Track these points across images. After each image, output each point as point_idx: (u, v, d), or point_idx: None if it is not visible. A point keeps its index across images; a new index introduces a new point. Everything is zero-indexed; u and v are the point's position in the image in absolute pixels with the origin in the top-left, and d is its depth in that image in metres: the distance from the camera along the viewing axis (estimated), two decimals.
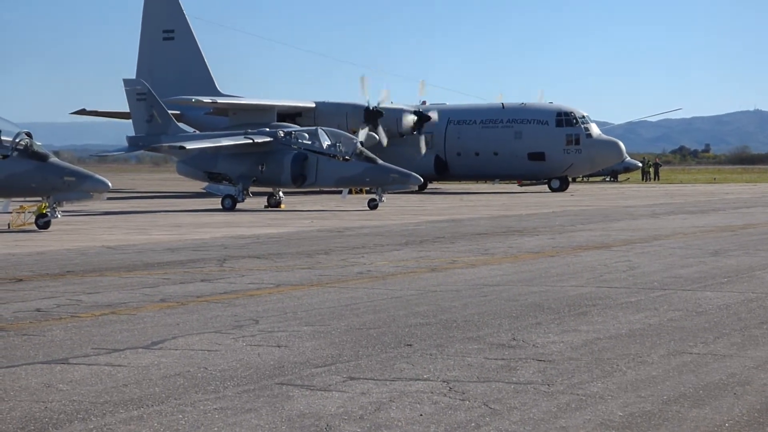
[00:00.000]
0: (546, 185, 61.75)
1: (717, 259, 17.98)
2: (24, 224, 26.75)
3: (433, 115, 60.56)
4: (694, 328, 10.73)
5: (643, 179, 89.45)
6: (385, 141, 57.11)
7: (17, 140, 26.19)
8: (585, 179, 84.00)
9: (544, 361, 8.97)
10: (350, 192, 43.08)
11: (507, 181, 67.26)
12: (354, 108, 59.17)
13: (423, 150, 59.53)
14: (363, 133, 54.15)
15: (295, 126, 48.30)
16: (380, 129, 57.92)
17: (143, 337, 10.22)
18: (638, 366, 8.76)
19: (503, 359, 9.04)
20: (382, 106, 59.11)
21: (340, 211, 36.27)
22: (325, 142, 39.02)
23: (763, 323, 11.07)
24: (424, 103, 62.32)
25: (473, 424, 6.88)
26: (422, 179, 42.06)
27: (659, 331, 10.48)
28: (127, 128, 51.28)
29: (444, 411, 7.23)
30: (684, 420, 7.00)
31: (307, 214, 34.97)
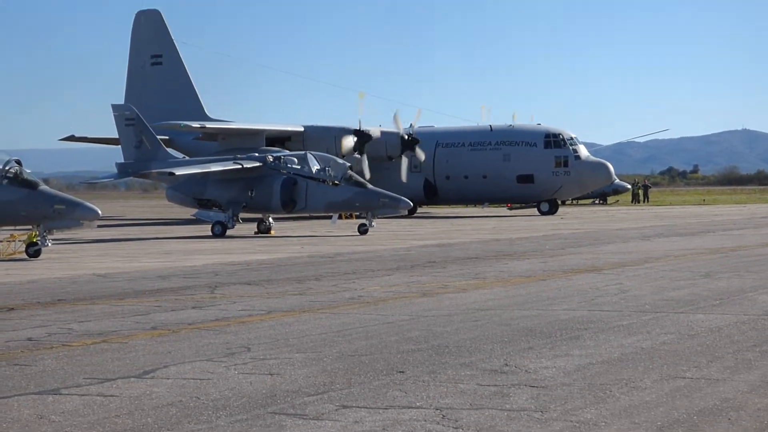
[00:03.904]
0: (535, 208, 61.74)
1: (708, 282, 18.01)
2: (14, 253, 26.68)
3: (420, 155, 60.31)
4: (687, 351, 10.73)
5: (632, 201, 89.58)
6: (368, 172, 56.42)
7: (7, 168, 26.14)
8: (574, 202, 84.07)
9: (537, 387, 8.96)
10: (340, 217, 43.05)
11: (496, 204, 67.28)
12: (343, 131, 59.18)
13: (404, 173, 59.18)
14: (349, 140, 54.01)
15: (285, 150, 48.30)
16: (364, 157, 57.64)
17: (135, 366, 10.18)
18: (631, 391, 8.75)
19: (496, 385, 9.02)
20: (370, 128, 59.15)
21: (331, 237, 36.26)
22: (315, 167, 39.01)
23: (755, 346, 11.08)
24: (411, 125, 62.39)
25: None
26: (412, 203, 42.05)
27: (652, 355, 10.48)
28: (116, 154, 51.23)
29: None
30: None
31: (298, 239, 34.96)
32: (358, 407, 8.23)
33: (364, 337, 11.91)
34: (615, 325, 12.64)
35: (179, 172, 40.14)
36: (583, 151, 61.26)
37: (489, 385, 9.03)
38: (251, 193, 39.16)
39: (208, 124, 61.78)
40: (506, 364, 10.04)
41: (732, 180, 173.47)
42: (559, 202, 64.85)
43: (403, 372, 9.71)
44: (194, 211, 41.30)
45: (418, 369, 9.85)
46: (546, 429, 7.46)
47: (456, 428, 7.50)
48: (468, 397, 8.58)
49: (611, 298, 15.67)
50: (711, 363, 10.08)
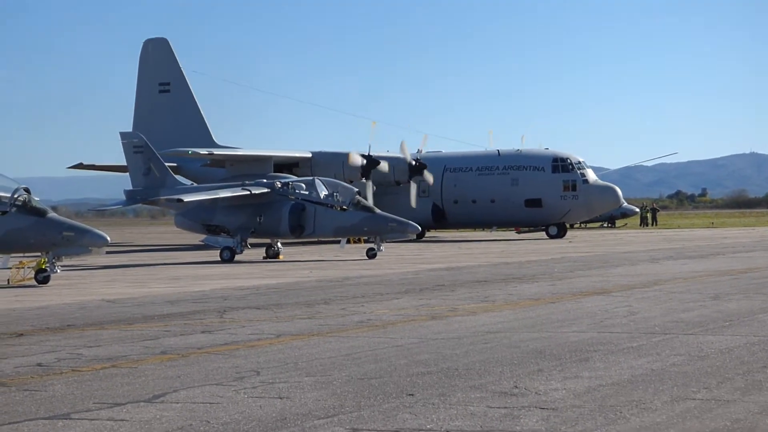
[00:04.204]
0: (544, 232, 61.76)
1: (718, 303, 17.97)
2: (23, 279, 26.72)
3: (429, 178, 60.51)
4: (697, 372, 10.71)
5: (641, 225, 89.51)
6: (371, 198, 56.69)
7: (15, 196, 26.21)
8: (582, 225, 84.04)
9: (547, 408, 8.94)
10: (348, 241, 43.07)
11: (504, 228, 67.27)
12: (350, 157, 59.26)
13: (413, 198, 59.33)
14: (356, 157, 54.02)
15: (292, 176, 48.38)
16: (369, 183, 57.83)
17: (145, 390, 10.19)
18: (642, 413, 8.73)
19: (506, 407, 9.01)
20: (378, 155, 59.28)
21: (339, 261, 36.27)
22: (323, 192, 39.08)
23: (765, 367, 11.05)
24: (419, 151, 62.47)
25: None
26: (420, 228, 42.08)
27: (662, 377, 10.46)
28: (124, 181, 51.31)
29: None
30: None
31: (306, 264, 34.96)
32: (368, 430, 8.22)
33: (374, 361, 11.90)
34: (625, 347, 12.62)
35: (188, 198, 40.22)
36: (591, 175, 61.32)
37: (499, 408, 9.02)
38: (260, 219, 39.23)
39: (216, 151, 61.93)
40: (516, 387, 10.03)
41: (740, 203, 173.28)
42: (568, 226, 64.85)
43: (412, 395, 9.70)
44: (203, 236, 41.34)
45: (427, 392, 9.84)
46: None
47: None
48: (478, 419, 8.56)
49: (620, 320, 15.64)
50: (721, 384, 10.06)
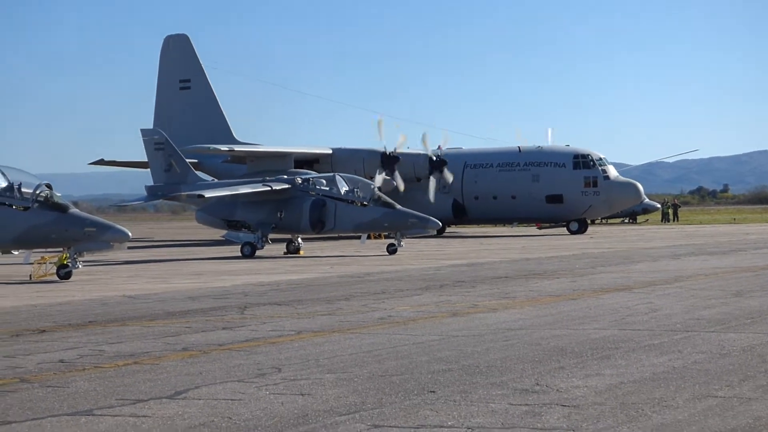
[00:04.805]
0: (565, 228, 61.69)
1: (739, 300, 17.91)
2: (45, 275, 26.85)
3: (448, 177, 60.60)
4: (719, 370, 10.68)
5: (662, 221, 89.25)
6: (402, 186, 57.42)
7: (38, 192, 26.33)
8: (604, 221, 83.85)
9: (568, 406, 8.94)
10: (369, 237, 43.10)
11: (525, 224, 67.21)
12: (371, 153, 59.37)
13: (431, 193, 59.39)
14: (379, 179, 54.35)
15: (313, 172, 48.45)
16: (397, 174, 58.22)
17: (166, 386, 10.22)
18: (663, 410, 8.72)
19: (527, 405, 9.01)
20: (398, 151, 59.33)
21: (360, 257, 36.30)
22: (343, 188, 39.14)
23: None
24: (439, 147, 62.45)
25: None
26: (440, 223, 42.08)
27: (683, 374, 10.43)
28: (145, 177, 51.54)
29: None
30: None
31: (327, 260, 35.01)
32: (390, 426, 8.23)
33: (395, 357, 11.91)
34: (646, 344, 12.60)
35: (208, 194, 40.35)
36: (612, 171, 61.25)
37: (520, 405, 9.01)
38: (280, 215, 39.32)
39: (237, 147, 62.08)
40: (537, 384, 10.02)
41: (762, 199, 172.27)
42: (589, 222, 64.75)
43: (434, 392, 9.70)
44: (224, 232, 41.45)
45: (448, 389, 9.84)
46: None
47: None
48: (499, 416, 8.57)
49: (642, 317, 15.61)
50: (743, 382, 10.02)
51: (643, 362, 11.26)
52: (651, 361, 11.35)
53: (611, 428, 8.05)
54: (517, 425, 8.21)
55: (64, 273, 26.16)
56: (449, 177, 60.36)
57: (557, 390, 9.69)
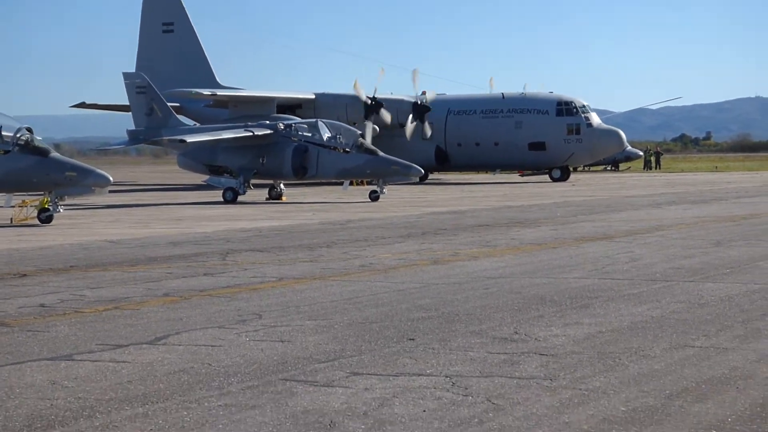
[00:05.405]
0: (547, 175, 61.78)
1: (719, 250, 18.00)
2: (26, 219, 26.79)
3: (430, 94, 60.64)
4: (697, 320, 10.75)
5: (644, 168, 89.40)
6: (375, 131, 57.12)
7: (18, 135, 26.20)
8: (586, 169, 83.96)
9: (546, 355, 9.00)
10: (351, 184, 43.11)
11: (508, 171, 67.26)
12: (353, 99, 59.15)
13: (429, 134, 59.35)
14: (369, 128, 54.24)
15: (296, 118, 48.30)
16: (381, 118, 58.06)
17: (147, 332, 10.25)
18: (641, 360, 8.79)
19: (506, 353, 9.06)
20: (381, 97, 59.14)
21: (342, 203, 36.30)
22: (326, 134, 39.05)
23: (765, 315, 11.10)
24: (423, 93, 62.28)
25: (476, 420, 6.91)
26: (423, 170, 42.07)
27: (661, 324, 10.50)
28: (127, 120, 51.23)
29: (447, 407, 7.25)
30: (687, 415, 7.03)
31: (309, 206, 35.00)
32: (369, 374, 8.28)
33: (375, 305, 11.96)
34: (625, 294, 12.67)
35: (190, 139, 40.20)
36: (595, 119, 61.27)
37: (499, 353, 9.07)
38: (262, 160, 39.24)
39: (219, 92, 61.78)
40: (516, 333, 10.08)
41: (745, 147, 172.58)
42: (571, 169, 64.85)
43: (413, 339, 9.75)
44: (206, 177, 41.38)
45: (428, 337, 9.89)
46: (555, 397, 7.50)
47: (465, 395, 7.55)
48: (478, 364, 8.62)
49: (622, 266, 15.68)
50: (720, 332, 10.10)
51: (621, 311, 11.33)
52: (630, 310, 11.42)
53: (588, 377, 8.12)
54: (495, 374, 8.26)
55: (45, 217, 26.10)
56: (428, 130, 60.25)
57: (536, 339, 9.75)
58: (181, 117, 49.05)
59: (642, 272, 14.88)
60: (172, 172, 60.10)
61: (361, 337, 9.87)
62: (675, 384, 7.89)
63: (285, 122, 41.39)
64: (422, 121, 60.14)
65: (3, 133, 26.20)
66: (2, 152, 26.06)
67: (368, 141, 52.05)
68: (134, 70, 56.00)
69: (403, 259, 16.94)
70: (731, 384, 7.90)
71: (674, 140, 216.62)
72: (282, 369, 8.51)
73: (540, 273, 14.91)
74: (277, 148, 39.25)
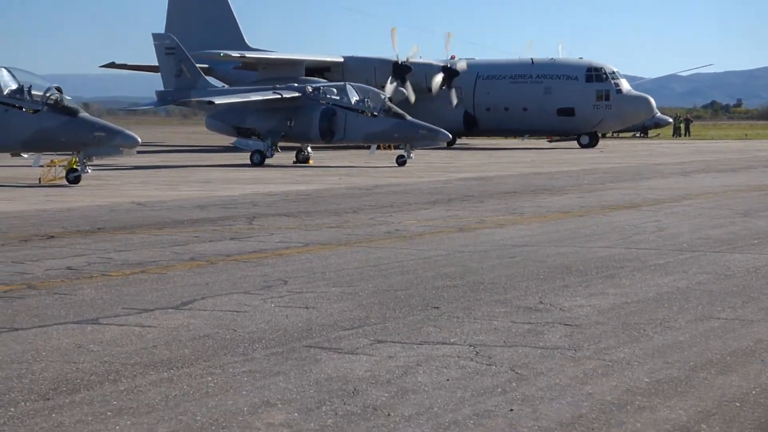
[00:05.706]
0: (575, 141, 61.54)
1: (747, 220, 17.90)
2: (54, 179, 26.91)
3: (461, 64, 60.42)
4: (722, 292, 10.71)
5: (674, 135, 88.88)
6: (413, 97, 57.17)
7: (47, 95, 26.30)
8: (615, 135, 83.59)
9: (571, 325, 8.99)
10: (378, 147, 43.08)
11: (536, 137, 67.05)
12: (382, 63, 59.04)
13: (454, 102, 59.44)
14: (390, 88, 54.08)
15: (324, 81, 48.24)
16: (408, 84, 57.94)
17: (173, 297, 10.29)
18: (665, 331, 8.77)
19: (530, 323, 9.06)
20: (411, 61, 58.95)
21: (369, 168, 36.29)
22: (354, 98, 38.97)
23: None
24: (453, 57, 62.05)
25: (499, 390, 6.91)
26: (451, 135, 41.97)
27: (687, 295, 10.47)
28: (156, 81, 51.37)
29: (471, 376, 7.26)
30: (711, 387, 7.01)
31: (336, 170, 35.00)
32: (393, 342, 8.30)
33: (400, 272, 11.97)
34: (651, 264, 12.63)
35: (219, 101, 40.26)
36: (625, 85, 60.96)
37: (523, 323, 9.07)
38: (290, 123, 39.23)
39: (248, 54, 61.80)
40: (541, 302, 10.07)
41: None
42: (600, 136, 64.57)
43: (437, 308, 9.76)
44: (233, 139, 41.45)
45: (452, 305, 9.90)
46: (579, 367, 7.50)
47: (489, 365, 7.55)
48: (502, 334, 8.62)
49: (648, 236, 15.62)
50: (746, 304, 10.06)
51: (647, 282, 11.30)
52: (655, 281, 11.39)
53: (612, 348, 8.11)
54: (519, 344, 8.26)
55: (73, 177, 26.21)
56: (454, 99, 59.98)
57: (560, 309, 9.74)
58: (209, 78, 49.15)
59: (668, 242, 14.82)
60: (200, 132, 60.20)
61: (385, 305, 9.89)
62: (699, 356, 7.87)
63: (313, 85, 41.37)
64: (449, 87, 59.92)
65: (33, 92, 26.29)
66: (31, 111, 26.17)
67: (412, 97, 51.87)
68: (164, 32, 56.04)
69: (429, 226, 16.93)
70: (756, 356, 7.88)
71: (704, 107, 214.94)
72: (306, 336, 8.54)
73: (566, 242, 14.87)
74: (304, 111, 39.22)
